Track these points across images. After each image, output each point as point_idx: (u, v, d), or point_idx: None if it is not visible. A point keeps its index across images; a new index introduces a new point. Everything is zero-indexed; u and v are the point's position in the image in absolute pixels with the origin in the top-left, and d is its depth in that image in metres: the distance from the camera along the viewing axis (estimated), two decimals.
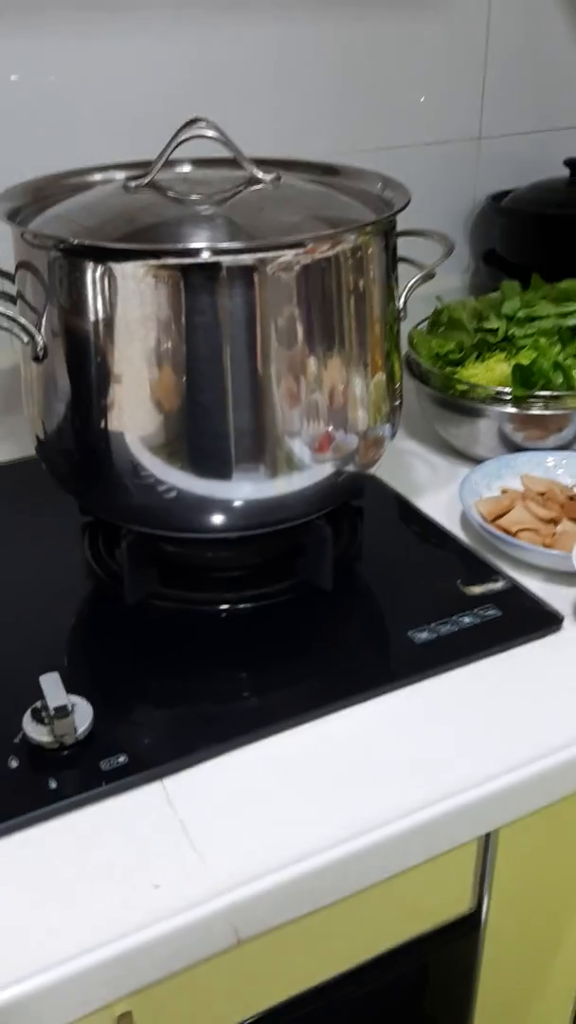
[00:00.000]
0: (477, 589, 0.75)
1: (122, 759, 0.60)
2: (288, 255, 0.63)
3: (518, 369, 0.88)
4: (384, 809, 0.57)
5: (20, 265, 0.70)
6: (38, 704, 0.61)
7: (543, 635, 0.71)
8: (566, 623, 0.72)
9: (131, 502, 0.69)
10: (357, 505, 0.83)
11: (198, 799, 0.58)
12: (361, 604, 0.76)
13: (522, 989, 0.78)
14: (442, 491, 0.90)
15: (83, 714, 0.61)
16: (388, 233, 0.71)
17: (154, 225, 0.68)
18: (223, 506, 0.69)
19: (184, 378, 0.65)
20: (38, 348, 0.68)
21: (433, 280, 0.76)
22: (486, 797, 0.59)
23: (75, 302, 0.65)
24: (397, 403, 0.77)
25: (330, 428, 0.69)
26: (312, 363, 0.67)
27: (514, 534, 0.79)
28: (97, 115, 0.98)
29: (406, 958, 0.67)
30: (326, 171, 0.81)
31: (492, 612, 0.72)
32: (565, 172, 1.17)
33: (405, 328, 0.85)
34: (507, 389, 0.88)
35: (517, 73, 1.20)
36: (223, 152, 0.72)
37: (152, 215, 0.69)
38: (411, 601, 0.75)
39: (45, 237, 0.66)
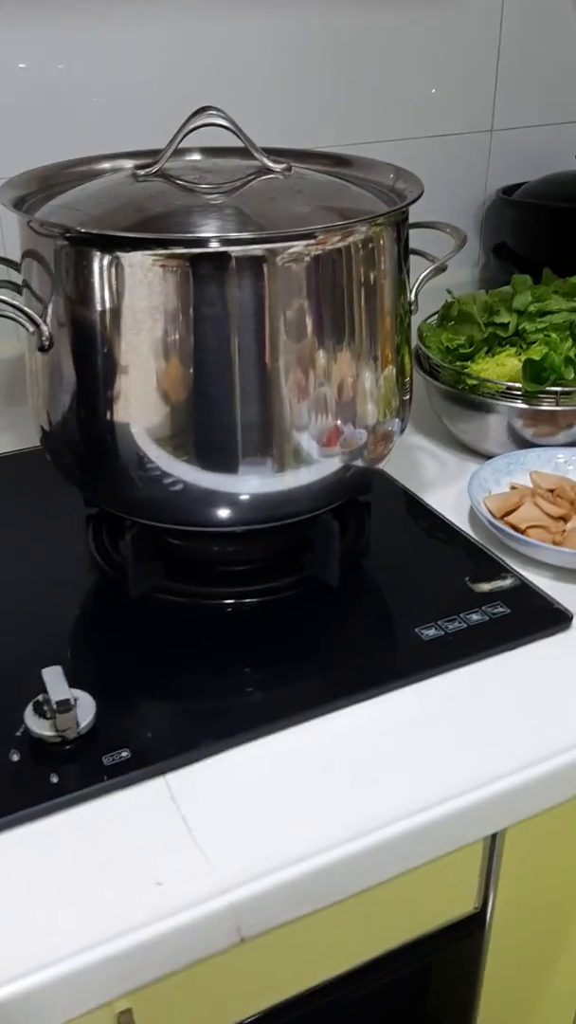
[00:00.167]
0: (485, 586, 0.74)
1: (125, 754, 0.59)
2: (298, 246, 0.62)
3: (529, 364, 0.87)
4: (390, 808, 0.56)
5: (26, 254, 0.69)
6: (40, 697, 0.61)
7: (552, 634, 0.70)
8: (575, 622, 0.71)
9: (136, 494, 0.69)
10: (365, 500, 0.82)
11: (201, 795, 0.58)
12: (368, 600, 0.75)
13: (526, 989, 0.78)
14: (451, 487, 0.89)
15: (86, 708, 0.61)
16: (400, 225, 0.70)
17: (163, 214, 0.67)
18: (229, 500, 0.68)
19: (191, 370, 0.64)
20: (43, 338, 0.67)
21: (443, 273, 0.76)
22: (493, 797, 0.58)
23: (82, 292, 0.64)
24: (407, 397, 0.76)
25: (339, 422, 0.69)
26: (321, 356, 0.66)
27: (523, 531, 0.78)
28: (105, 104, 0.97)
29: (410, 958, 0.67)
30: (338, 162, 0.81)
31: (500, 610, 0.72)
32: None
33: (415, 322, 0.84)
34: (517, 384, 0.87)
35: (529, 66, 1.19)
36: (233, 141, 0.71)
37: (161, 204, 0.68)
38: (418, 598, 0.74)
39: (52, 225, 0.65)
